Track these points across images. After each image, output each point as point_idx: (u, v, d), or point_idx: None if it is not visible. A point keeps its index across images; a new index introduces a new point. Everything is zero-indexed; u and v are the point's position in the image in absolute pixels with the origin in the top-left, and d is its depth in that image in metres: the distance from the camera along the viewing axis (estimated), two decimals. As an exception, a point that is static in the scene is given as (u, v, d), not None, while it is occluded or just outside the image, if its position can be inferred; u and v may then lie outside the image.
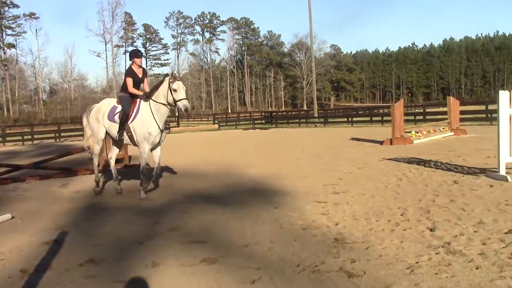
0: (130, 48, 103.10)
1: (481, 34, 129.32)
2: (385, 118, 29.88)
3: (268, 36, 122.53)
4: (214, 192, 8.42)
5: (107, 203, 7.90)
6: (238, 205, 7.21)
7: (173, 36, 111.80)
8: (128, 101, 8.23)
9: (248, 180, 9.63)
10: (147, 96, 8.12)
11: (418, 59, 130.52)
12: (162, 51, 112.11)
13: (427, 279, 3.76)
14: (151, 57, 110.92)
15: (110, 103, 8.61)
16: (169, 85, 7.79)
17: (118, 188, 8.63)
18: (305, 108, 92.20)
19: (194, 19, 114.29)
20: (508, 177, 7.79)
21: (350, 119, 34.91)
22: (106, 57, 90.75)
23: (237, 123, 44.03)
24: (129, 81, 8.27)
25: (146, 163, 8.42)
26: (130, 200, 8.00)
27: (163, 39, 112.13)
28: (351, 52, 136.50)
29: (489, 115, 24.80)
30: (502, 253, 4.25)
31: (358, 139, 18.97)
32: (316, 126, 36.85)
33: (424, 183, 8.14)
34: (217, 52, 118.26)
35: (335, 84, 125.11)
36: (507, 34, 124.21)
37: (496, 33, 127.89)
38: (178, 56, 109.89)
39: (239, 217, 6.39)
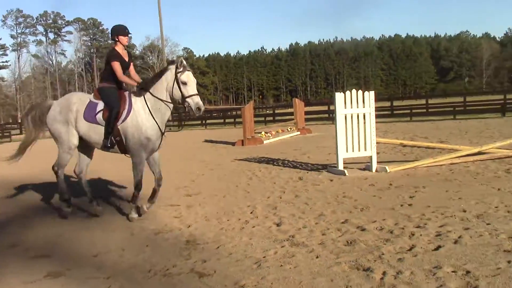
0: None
1: (323, 39, 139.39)
2: (237, 119, 30.87)
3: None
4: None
5: None
6: (88, 214, 6.90)
7: (12, 36, 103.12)
8: (115, 94, 6.26)
9: (97, 187, 9.25)
10: (143, 88, 6.23)
11: (268, 62, 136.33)
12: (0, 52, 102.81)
13: (273, 272, 3.96)
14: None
15: (82, 98, 6.57)
16: (175, 76, 6.04)
17: (98, 208, 6.78)
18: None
19: (36, 18, 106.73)
20: (346, 171, 8.55)
21: (204, 121, 35.36)
22: None
23: (87, 128, 41.96)
24: (118, 66, 6.24)
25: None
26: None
27: (0, 39, 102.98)
28: (203, 56, 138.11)
29: (330, 115, 26.96)
30: (339, 241, 4.67)
31: (211, 141, 19.32)
32: (170, 129, 36.59)
33: (273, 181, 8.57)
34: (63, 54, 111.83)
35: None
36: (345, 40, 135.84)
37: (335, 39, 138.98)
38: (19, 58, 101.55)
39: (89, 227, 6.14)
